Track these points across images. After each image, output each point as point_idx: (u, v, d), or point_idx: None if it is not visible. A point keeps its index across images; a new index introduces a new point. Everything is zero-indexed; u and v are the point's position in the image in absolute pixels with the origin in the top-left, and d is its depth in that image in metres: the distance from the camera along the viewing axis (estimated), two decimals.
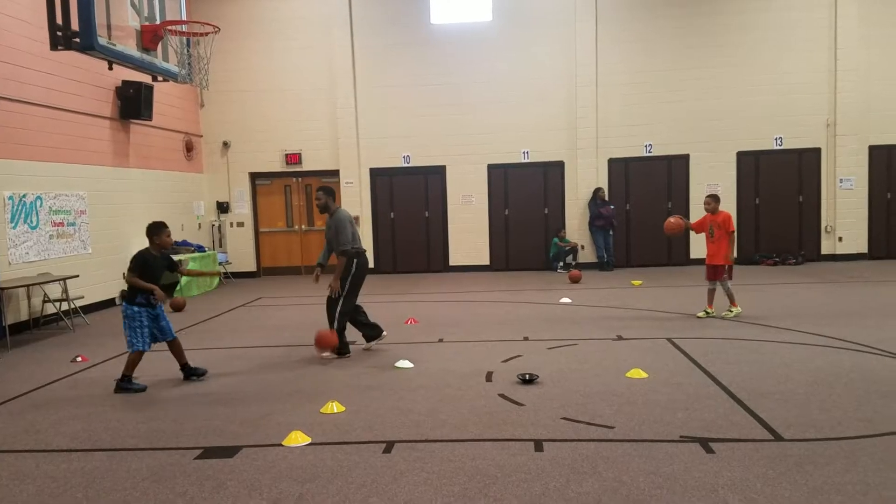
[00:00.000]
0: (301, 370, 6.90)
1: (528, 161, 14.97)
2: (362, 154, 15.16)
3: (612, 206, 14.47)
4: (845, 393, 5.48)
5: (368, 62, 14.97)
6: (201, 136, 15.34)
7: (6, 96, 9.38)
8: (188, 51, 9.53)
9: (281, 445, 4.75)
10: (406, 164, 15.15)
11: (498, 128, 14.83)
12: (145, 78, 10.58)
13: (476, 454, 4.46)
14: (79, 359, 7.69)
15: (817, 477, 3.95)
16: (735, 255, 8.96)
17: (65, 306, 9.87)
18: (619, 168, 14.89)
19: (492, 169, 15.07)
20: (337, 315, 7.24)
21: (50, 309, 9.88)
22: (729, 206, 13.64)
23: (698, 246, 13.08)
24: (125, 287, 6.41)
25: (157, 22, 9.01)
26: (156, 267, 6.40)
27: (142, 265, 6.28)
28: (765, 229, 14.81)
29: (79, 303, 10.20)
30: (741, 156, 14.68)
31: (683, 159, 14.76)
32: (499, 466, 4.25)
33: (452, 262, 15.31)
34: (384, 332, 7.67)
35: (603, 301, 10.57)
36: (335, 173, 15.17)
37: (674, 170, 14.80)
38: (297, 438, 4.80)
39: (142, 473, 4.37)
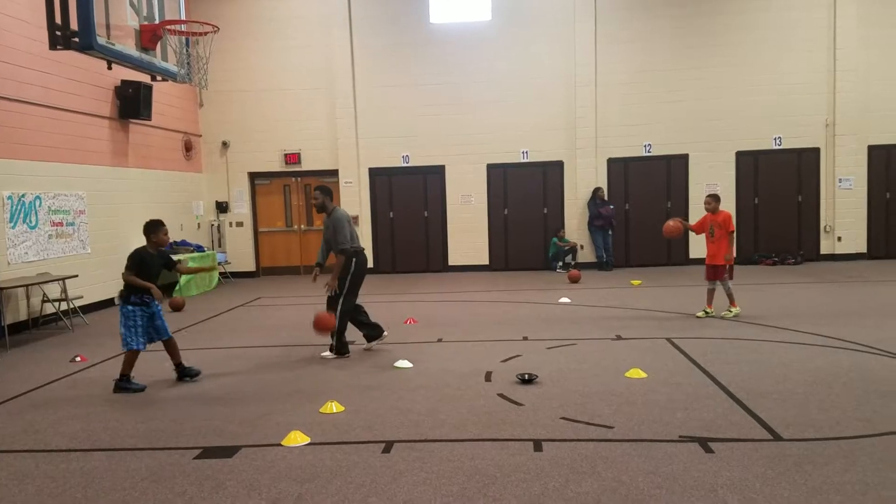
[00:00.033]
0: (300, 370, 6.90)
1: (528, 161, 14.97)
2: (361, 154, 15.16)
3: (611, 206, 14.47)
4: (844, 393, 5.49)
5: (368, 62, 14.96)
6: (200, 135, 15.34)
7: (5, 96, 9.37)
8: (187, 50, 9.53)
9: (280, 445, 4.75)
10: (405, 164, 15.15)
11: (497, 127, 14.83)
12: (144, 77, 10.58)
13: (475, 454, 4.46)
14: (78, 359, 7.69)
15: (816, 477, 3.95)
16: (734, 254, 8.95)
17: (64, 306, 9.86)
18: (619, 168, 14.89)
19: (491, 169, 15.07)
20: (337, 315, 7.24)
21: (49, 309, 9.88)
22: (728, 205, 13.63)
23: (697, 246, 13.10)
24: (123, 287, 6.41)
25: (156, 21, 9.02)
26: (153, 265, 6.39)
27: (139, 263, 6.27)
28: (764, 229, 14.82)
29: (78, 303, 10.20)
30: (740, 156, 14.69)
31: (682, 159, 14.76)
32: (498, 466, 4.25)
33: (451, 261, 15.31)
34: (385, 333, 7.67)
35: (602, 301, 10.57)
36: (334, 173, 15.17)
37: (673, 170, 14.81)
38: (297, 438, 4.80)
39: (141, 473, 4.36)
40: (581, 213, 14.88)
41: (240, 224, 15.63)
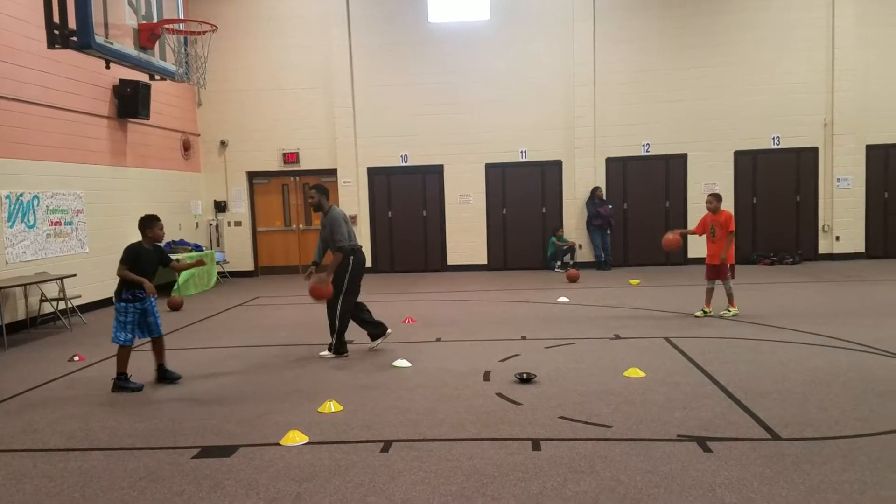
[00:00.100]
0: (299, 369, 6.90)
1: (526, 160, 14.97)
2: (360, 153, 15.15)
3: (609, 206, 14.47)
4: (842, 392, 5.49)
5: (366, 61, 14.95)
6: (199, 135, 15.32)
7: (3, 95, 9.35)
8: (186, 49, 9.51)
9: (278, 445, 4.74)
10: (404, 164, 15.14)
11: (496, 127, 14.82)
12: (143, 77, 10.57)
13: (474, 453, 4.46)
14: (76, 358, 7.69)
15: (815, 476, 3.96)
16: (733, 254, 8.95)
17: (62, 305, 9.85)
18: (617, 167, 14.89)
19: (489, 168, 15.07)
20: (338, 314, 7.24)
21: (47, 308, 9.87)
22: (726, 205, 13.59)
23: (696, 246, 13.10)
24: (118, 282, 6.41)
25: (155, 20, 9.00)
26: (148, 260, 6.36)
27: (133, 258, 6.24)
28: (762, 229, 14.83)
29: (76, 302, 10.19)
30: (739, 155, 14.69)
31: (681, 159, 14.77)
32: (496, 465, 4.25)
33: (450, 261, 15.31)
34: (389, 330, 7.64)
35: (600, 300, 10.57)
36: (333, 172, 15.16)
37: (671, 169, 14.81)
38: (295, 438, 4.80)
39: (139, 473, 4.36)
40: (579, 212, 14.88)
41: (238, 223, 15.62)
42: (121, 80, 11.85)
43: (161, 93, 13.07)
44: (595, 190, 14.54)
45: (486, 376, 6.32)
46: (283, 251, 15.81)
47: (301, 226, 15.72)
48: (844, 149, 14.42)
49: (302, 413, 5.42)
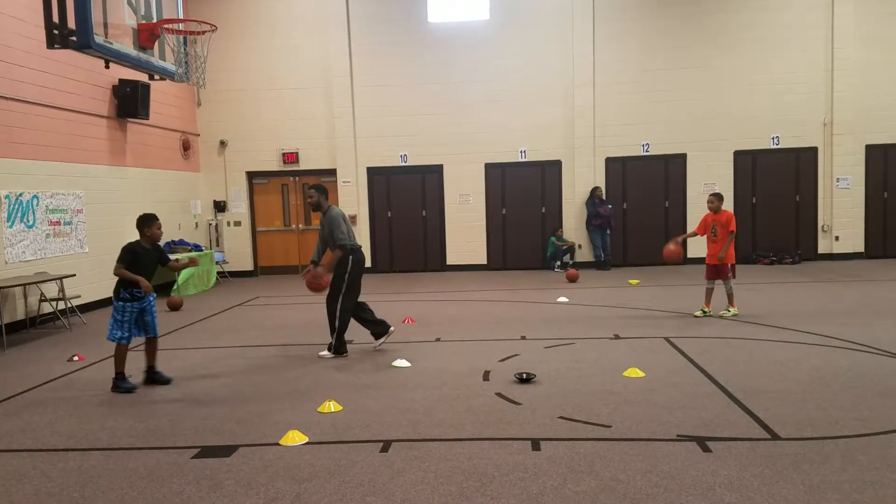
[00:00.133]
0: (298, 369, 6.89)
1: (526, 160, 14.97)
2: (359, 153, 15.14)
3: (609, 206, 14.47)
4: (842, 392, 5.49)
5: (365, 61, 14.95)
6: (198, 134, 15.32)
7: (2, 95, 9.35)
8: (185, 49, 9.50)
9: (278, 444, 4.74)
10: (403, 163, 15.14)
11: (495, 127, 14.82)
12: (142, 77, 10.56)
13: (473, 453, 4.46)
14: (75, 358, 7.69)
15: (814, 475, 3.96)
16: (733, 254, 8.96)
17: (61, 305, 9.85)
18: (617, 167, 14.89)
19: (489, 168, 15.07)
20: (338, 313, 7.23)
21: (46, 308, 9.86)
22: (726, 205, 13.57)
23: (695, 245, 13.09)
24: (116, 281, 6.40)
25: (154, 20, 8.99)
26: (146, 259, 6.36)
27: (131, 257, 6.24)
28: (762, 228, 14.83)
29: (75, 302, 10.19)
30: (738, 155, 14.69)
31: (680, 158, 14.77)
32: (496, 465, 4.25)
33: (450, 261, 15.31)
34: (392, 328, 7.63)
35: (600, 300, 10.57)
36: (332, 172, 15.15)
37: (671, 169, 14.81)
38: (295, 437, 4.80)
39: (138, 473, 4.36)
40: (579, 212, 14.88)
41: (238, 223, 15.61)
42: (120, 80, 11.85)
43: (160, 93, 13.06)
44: (594, 190, 14.54)
45: (486, 376, 6.32)
46: (282, 251, 15.80)
47: (300, 226, 15.72)
48: (844, 149, 14.42)
49: (301, 413, 5.42)
